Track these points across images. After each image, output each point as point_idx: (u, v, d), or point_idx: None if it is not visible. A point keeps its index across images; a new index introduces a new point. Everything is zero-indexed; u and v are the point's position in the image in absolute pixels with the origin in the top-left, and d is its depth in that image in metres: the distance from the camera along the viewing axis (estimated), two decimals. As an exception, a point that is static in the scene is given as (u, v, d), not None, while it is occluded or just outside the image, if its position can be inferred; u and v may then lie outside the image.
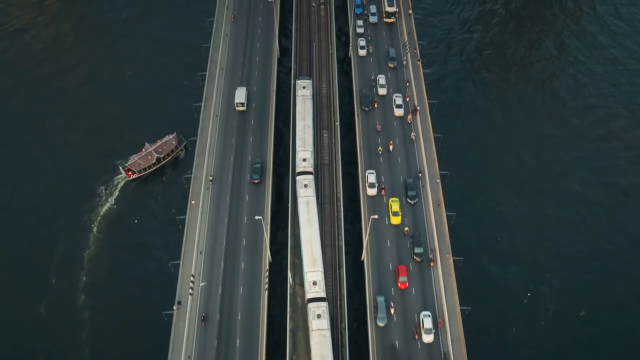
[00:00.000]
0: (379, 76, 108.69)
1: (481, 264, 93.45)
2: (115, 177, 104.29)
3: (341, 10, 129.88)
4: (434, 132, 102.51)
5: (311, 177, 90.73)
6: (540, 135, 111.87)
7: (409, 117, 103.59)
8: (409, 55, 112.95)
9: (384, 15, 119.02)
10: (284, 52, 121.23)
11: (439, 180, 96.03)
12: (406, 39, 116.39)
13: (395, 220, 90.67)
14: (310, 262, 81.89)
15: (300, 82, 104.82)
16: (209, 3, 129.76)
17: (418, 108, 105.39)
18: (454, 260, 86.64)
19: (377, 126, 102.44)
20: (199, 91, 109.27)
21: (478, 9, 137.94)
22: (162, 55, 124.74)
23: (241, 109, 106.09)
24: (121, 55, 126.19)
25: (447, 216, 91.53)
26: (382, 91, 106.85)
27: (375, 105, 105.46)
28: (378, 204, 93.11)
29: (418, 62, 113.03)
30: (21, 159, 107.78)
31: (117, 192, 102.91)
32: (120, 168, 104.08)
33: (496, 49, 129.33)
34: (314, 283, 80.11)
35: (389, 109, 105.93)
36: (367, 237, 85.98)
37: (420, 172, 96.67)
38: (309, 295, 79.83)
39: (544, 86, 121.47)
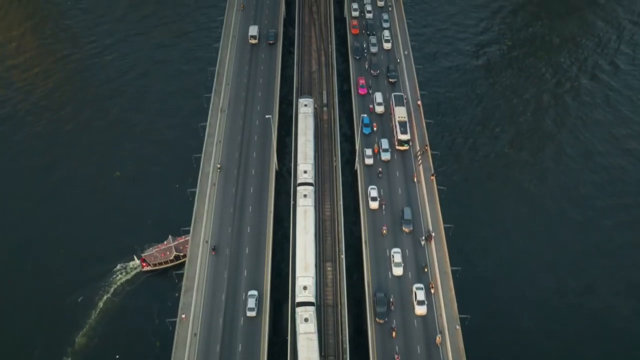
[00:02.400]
0: (394, 251, 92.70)
1: None
2: (129, 264, 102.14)
3: (346, 114, 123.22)
4: (451, 263, 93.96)
5: (311, 188, 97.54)
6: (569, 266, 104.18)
7: (439, 339, 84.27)
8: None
9: (397, 144, 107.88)
10: (283, 164, 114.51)
11: (458, 327, 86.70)
12: (418, 149, 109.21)
13: None
14: (303, 267, 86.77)
15: (302, 101, 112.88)
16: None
17: (432, 234, 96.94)
18: None
19: (396, 356, 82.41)
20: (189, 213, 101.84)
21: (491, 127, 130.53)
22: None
23: (253, 42, 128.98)
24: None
25: None
26: (398, 271, 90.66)
27: (394, 334, 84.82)
28: None
29: (432, 177, 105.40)
30: (35, 235, 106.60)
31: (123, 281, 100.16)
32: (135, 257, 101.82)
33: (516, 162, 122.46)
34: (304, 288, 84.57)
35: (407, 309, 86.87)
36: None
37: None
38: (298, 299, 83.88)
39: (559, 195, 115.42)
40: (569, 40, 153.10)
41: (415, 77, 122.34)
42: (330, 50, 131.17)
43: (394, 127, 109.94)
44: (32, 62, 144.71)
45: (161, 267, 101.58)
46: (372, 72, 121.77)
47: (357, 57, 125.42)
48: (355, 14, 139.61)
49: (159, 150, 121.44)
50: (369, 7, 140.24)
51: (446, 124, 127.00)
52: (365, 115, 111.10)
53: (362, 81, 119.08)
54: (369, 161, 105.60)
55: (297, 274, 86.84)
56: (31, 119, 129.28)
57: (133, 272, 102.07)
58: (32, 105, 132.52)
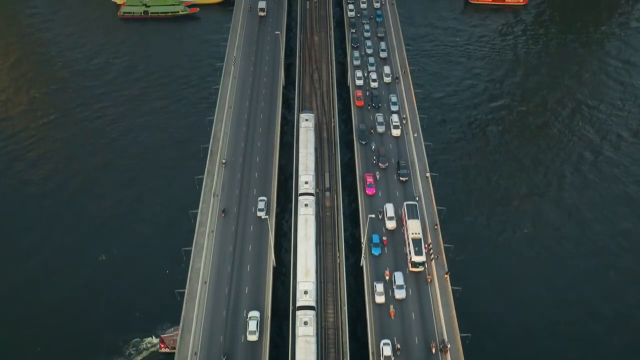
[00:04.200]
0: None
1: None
2: (147, 340, 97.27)
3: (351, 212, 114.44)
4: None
5: (312, 198, 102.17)
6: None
7: None
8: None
9: (410, 265, 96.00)
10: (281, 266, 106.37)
11: None
12: (430, 245, 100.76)
13: None
14: (304, 273, 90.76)
15: (303, 115, 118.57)
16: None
17: (449, 346, 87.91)
18: None
19: None
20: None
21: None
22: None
23: (262, 14, 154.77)
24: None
25: None
26: None
27: None
28: None
29: (445, 276, 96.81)
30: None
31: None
32: (154, 336, 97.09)
33: (534, 249, 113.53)
34: (305, 292, 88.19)
35: None
36: None
37: None
38: (299, 303, 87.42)
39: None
40: (583, 104, 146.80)
41: (426, 160, 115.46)
42: (332, 124, 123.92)
43: (407, 245, 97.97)
44: (14, 127, 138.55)
45: None
46: (380, 164, 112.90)
47: (363, 142, 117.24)
48: (359, 82, 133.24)
49: (148, 234, 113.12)
50: (373, 75, 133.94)
51: (459, 210, 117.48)
52: (376, 234, 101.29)
53: (369, 179, 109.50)
54: (380, 299, 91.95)
55: (298, 279, 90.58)
56: (9, 190, 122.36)
57: (149, 351, 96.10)
58: (11, 176, 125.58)
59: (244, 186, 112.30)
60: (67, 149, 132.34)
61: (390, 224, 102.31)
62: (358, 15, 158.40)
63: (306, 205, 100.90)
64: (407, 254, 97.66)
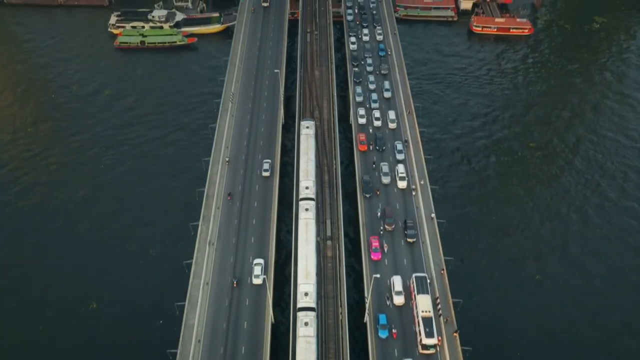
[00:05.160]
0: None
1: None
2: None
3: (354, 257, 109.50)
4: None
5: (312, 202, 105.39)
6: None
7: None
8: None
9: (421, 347, 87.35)
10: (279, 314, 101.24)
11: None
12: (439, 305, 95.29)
13: None
14: (304, 275, 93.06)
15: (304, 123, 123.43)
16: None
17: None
18: None
19: None
20: None
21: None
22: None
23: (265, 4, 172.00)
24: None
25: None
26: None
27: None
28: None
29: (454, 334, 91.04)
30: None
31: None
32: None
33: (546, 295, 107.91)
34: (306, 294, 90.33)
35: None
36: None
37: None
38: (299, 305, 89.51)
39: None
40: (591, 137, 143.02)
41: (432, 206, 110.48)
42: (334, 166, 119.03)
43: (416, 324, 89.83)
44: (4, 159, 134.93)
45: None
46: (386, 227, 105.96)
47: (367, 195, 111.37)
48: (362, 121, 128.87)
49: (141, 283, 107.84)
50: (376, 114, 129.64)
51: (467, 260, 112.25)
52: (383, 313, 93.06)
53: (375, 243, 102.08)
54: None
55: (299, 281, 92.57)
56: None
57: None
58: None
59: (242, 231, 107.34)
60: (54, 183, 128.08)
61: (398, 300, 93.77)
62: (361, 52, 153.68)
63: (307, 209, 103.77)
64: (417, 334, 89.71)
